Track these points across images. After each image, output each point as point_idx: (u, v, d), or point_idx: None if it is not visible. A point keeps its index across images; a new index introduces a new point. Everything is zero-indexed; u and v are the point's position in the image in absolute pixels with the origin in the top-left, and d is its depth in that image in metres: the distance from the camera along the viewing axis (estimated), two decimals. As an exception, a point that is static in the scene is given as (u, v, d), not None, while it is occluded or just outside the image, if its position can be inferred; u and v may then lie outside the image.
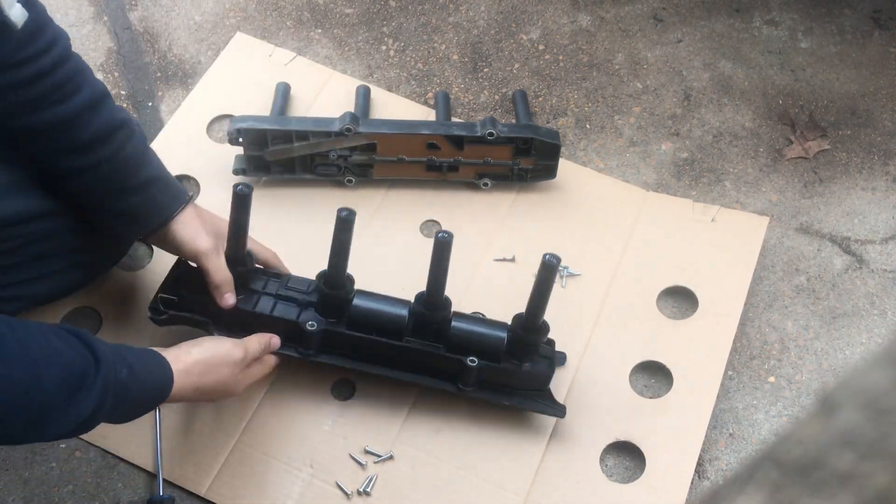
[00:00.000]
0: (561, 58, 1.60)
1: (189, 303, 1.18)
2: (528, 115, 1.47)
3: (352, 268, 1.16)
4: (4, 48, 0.96)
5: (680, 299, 1.35)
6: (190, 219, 1.15)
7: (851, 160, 1.49)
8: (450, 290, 1.16)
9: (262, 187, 1.42)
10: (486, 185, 1.40)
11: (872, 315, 1.34)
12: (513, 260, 1.36)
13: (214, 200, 1.42)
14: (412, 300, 1.18)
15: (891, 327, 1.33)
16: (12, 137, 1.05)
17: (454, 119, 1.50)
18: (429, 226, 1.41)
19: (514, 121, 1.47)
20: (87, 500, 1.20)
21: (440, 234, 1.09)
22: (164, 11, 1.65)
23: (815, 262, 1.39)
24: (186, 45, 1.61)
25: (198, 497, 1.19)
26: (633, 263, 1.36)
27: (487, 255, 1.36)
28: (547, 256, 1.08)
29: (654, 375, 1.28)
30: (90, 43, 1.61)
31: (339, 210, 1.09)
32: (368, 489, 1.18)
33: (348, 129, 1.34)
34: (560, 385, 1.25)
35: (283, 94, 1.48)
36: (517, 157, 1.38)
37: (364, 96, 1.49)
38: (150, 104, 1.55)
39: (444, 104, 1.48)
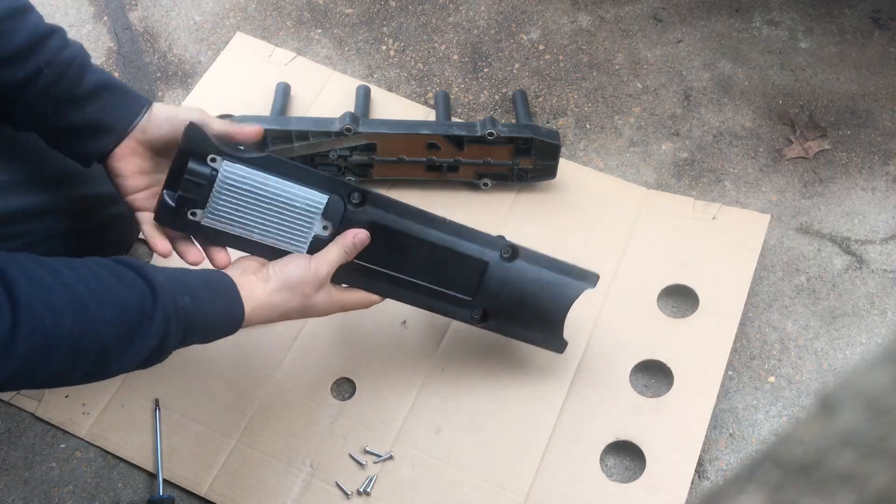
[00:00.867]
0: (561, 58, 1.60)
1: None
2: (528, 115, 1.47)
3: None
4: None
5: (680, 298, 1.35)
6: (162, 111, 1.05)
7: (851, 160, 1.49)
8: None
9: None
10: (486, 185, 1.40)
11: (872, 315, 1.34)
12: (513, 260, 1.36)
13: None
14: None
15: (891, 327, 1.33)
16: None
17: (454, 119, 1.50)
18: (429, 226, 1.41)
19: (514, 121, 1.47)
20: (87, 500, 1.20)
21: None
22: (164, 11, 1.65)
23: (816, 262, 1.39)
24: (186, 45, 1.61)
25: (198, 497, 1.19)
26: (633, 262, 1.36)
27: (487, 255, 1.36)
28: None
29: (654, 375, 1.28)
30: (90, 43, 1.61)
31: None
32: (368, 489, 1.18)
33: (348, 129, 1.34)
34: (560, 384, 1.25)
35: (283, 94, 1.48)
36: (517, 157, 1.38)
37: (364, 96, 1.49)
38: (150, 104, 1.55)
39: (444, 104, 1.48)
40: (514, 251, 1.14)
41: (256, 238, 1.06)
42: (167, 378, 1.26)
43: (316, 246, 1.07)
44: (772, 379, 1.29)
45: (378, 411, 1.24)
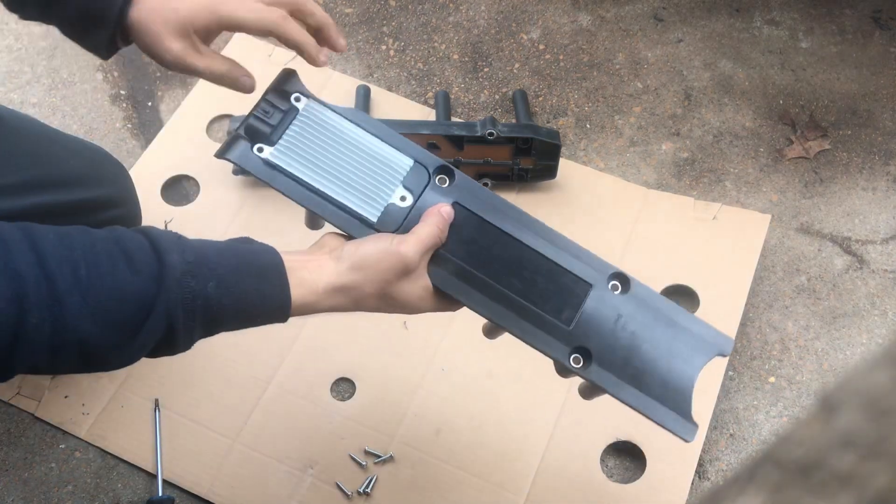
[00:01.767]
0: (561, 57, 1.60)
1: None
2: (529, 115, 1.47)
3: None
4: None
5: (681, 298, 1.34)
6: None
7: (852, 160, 1.49)
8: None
9: (262, 188, 1.42)
10: (486, 185, 1.40)
11: (873, 315, 1.34)
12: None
13: (214, 200, 1.42)
14: None
15: (891, 327, 1.33)
16: None
17: (454, 119, 1.50)
18: (429, 226, 1.41)
19: (514, 121, 1.47)
20: (87, 501, 1.20)
21: None
22: (164, 11, 1.65)
23: (816, 263, 1.39)
24: (186, 44, 1.61)
25: (198, 497, 1.18)
26: (634, 262, 1.35)
27: (487, 255, 1.36)
28: None
29: (654, 375, 1.28)
30: (90, 43, 1.61)
31: None
32: (368, 489, 1.18)
33: (348, 129, 1.34)
34: (561, 384, 1.24)
35: (283, 94, 1.48)
36: (517, 157, 1.37)
37: (364, 96, 1.49)
38: (149, 104, 1.55)
39: (444, 104, 1.48)
40: (625, 282, 0.93)
41: (323, 188, 0.91)
42: (167, 378, 1.26)
43: (390, 217, 0.91)
44: (772, 379, 1.29)
45: (378, 411, 1.24)
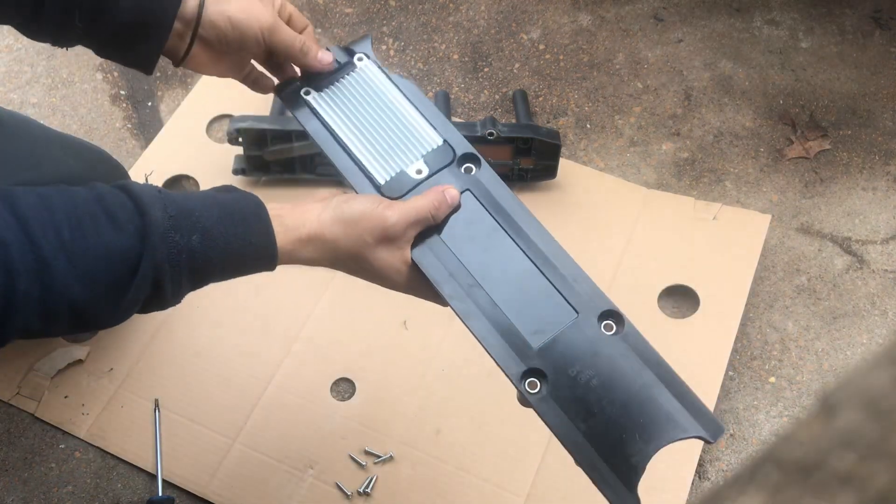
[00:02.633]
0: (561, 57, 1.60)
1: None
2: (529, 115, 1.47)
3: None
4: None
5: (681, 298, 1.34)
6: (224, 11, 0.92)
7: (852, 160, 1.49)
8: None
9: (262, 187, 1.42)
10: (486, 184, 1.40)
11: (873, 315, 1.34)
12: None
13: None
14: None
15: (891, 327, 1.33)
16: None
17: (454, 119, 1.50)
18: (429, 226, 1.41)
19: (514, 121, 1.47)
20: (87, 501, 1.20)
21: None
22: (163, 11, 1.65)
23: (816, 263, 1.39)
24: (186, 44, 1.61)
25: (197, 497, 1.18)
26: (633, 262, 1.35)
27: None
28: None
29: (654, 376, 1.28)
30: (90, 43, 1.61)
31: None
32: (368, 489, 1.18)
33: (348, 129, 1.34)
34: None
35: (283, 94, 1.48)
36: (517, 157, 1.37)
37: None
38: (149, 104, 1.55)
39: (444, 104, 1.48)
40: (619, 322, 0.85)
41: (347, 139, 0.93)
42: (167, 378, 1.26)
43: (398, 184, 0.90)
44: (772, 379, 1.29)
45: (378, 411, 1.24)
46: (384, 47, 1.61)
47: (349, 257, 0.86)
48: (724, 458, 1.24)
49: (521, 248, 0.88)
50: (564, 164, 1.42)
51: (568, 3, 1.67)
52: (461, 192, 0.90)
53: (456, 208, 0.89)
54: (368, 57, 0.99)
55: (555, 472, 1.19)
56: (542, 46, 1.61)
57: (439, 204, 0.88)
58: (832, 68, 1.59)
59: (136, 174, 1.37)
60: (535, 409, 0.81)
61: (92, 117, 1.53)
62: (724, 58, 1.60)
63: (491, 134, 1.34)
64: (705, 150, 1.50)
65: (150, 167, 1.45)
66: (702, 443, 1.21)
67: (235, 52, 0.96)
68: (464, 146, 0.92)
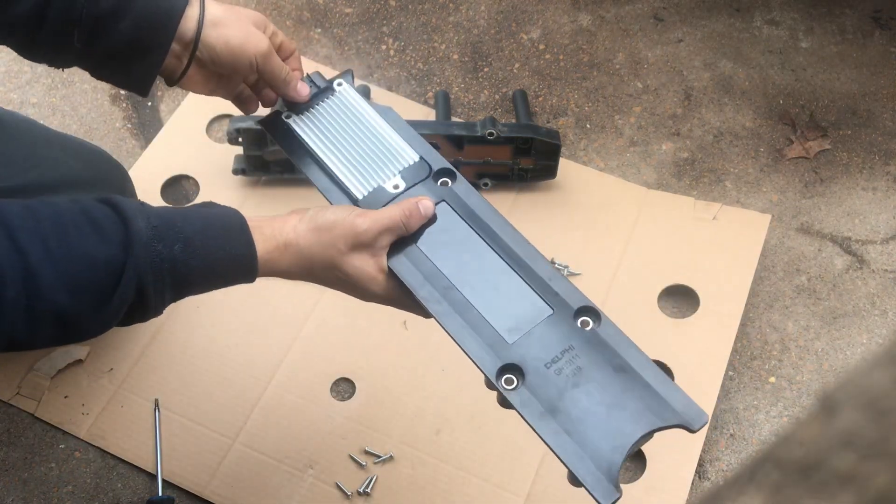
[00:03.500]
0: (561, 57, 1.60)
1: None
2: (528, 115, 1.47)
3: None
4: None
5: (681, 299, 1.34)
6: (222, 15, 0.94)
7: (852, 160, 1.49)
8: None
9: (262, 187, 1.42)
10: (486, 185, 1.40)
11: (873, 315, 1.34)
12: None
13: (214, 200, 1.42)
14: None
15: (891, 327, 1.33)
16: None
17: (454, 119, 1.50)
18: (429, 226, 1.41)
19: (514, 121, 1.47)
20: (87, 501, 1.20)
21: None
22: (163, 11, 1.65)
23: (816, 263, 1.39)
24: (186, 44, 1.61)
25: (197, 497, 1.18)
26: (633, 262, 1.35)
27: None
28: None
29: (654, 376, 1.28)
30: (90, 43, 1.61)
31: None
32: (368, 489, 1.18)
33: (348, 129, 1.34)
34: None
35: (283, 94, 1.48)
36: (517, 157, 1.37)
37: (364, 96, 1.48)
38: (149, 104, 1.55)
39: (444, 104, 1.48)
40: (595, 318, 0.86)
41: (325, 157, 0.96)
42: (167, 378, 1.26)
43: (375, 198, 0.93)
44: (772, 379, 1.29)
45: (378, 411, 1.24)
46: (384, 47, 1.61)
47: (324, 266, 0.88)
48: (724, 458, 1.24)
49: (496, 252, 0.90)
50: (564, 164, 1.42)
51: (568, 3, 1.67)
52: (437, 203, 0.92)
53: (432, 219, 0.91)
54: (349, 83, 1.03)
55: (555, 472, 1.19)
56: (542, 46, 1.61)
57: (411, 213, 0.89)
58: (832, 68, 1.59)
59: (136, 174, 1.37)
60: (513, 406, 0.82)
61: (92, 117, 1.53)
62: (724, 58, 1.60)
63: (491, 134, 1.34)
64: (705, 150, 1.50)
65: (149, 167, 1.45)
66: (702, 443, 1.21)
67: (228, 75, 0.98)
68: (440, 162, 0.96)
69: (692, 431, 0.82)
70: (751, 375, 1.29)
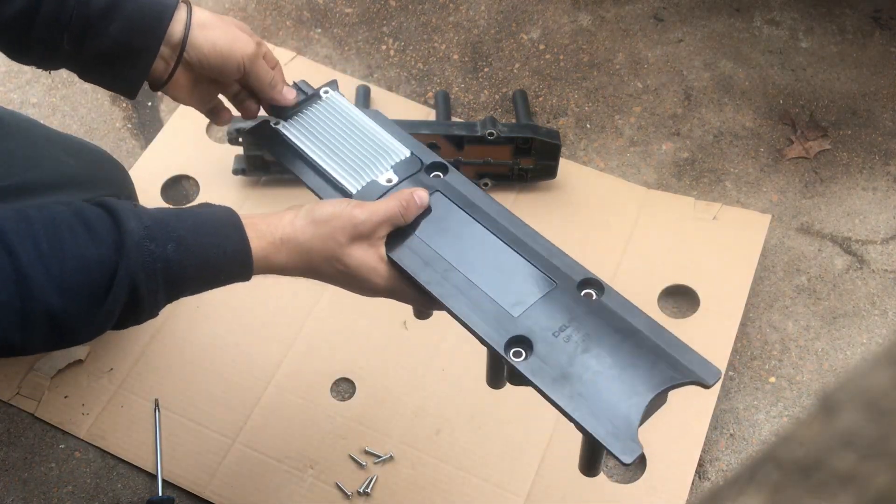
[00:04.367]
0: (561, 57, 1.60)
1: None
2: (529, 115, 1.47)
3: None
4: None
5: (681, 299, 1.34)
6: (209, 19, 0.94)
7: (852, 160, 1.49)
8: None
9: (262, 187, 1.42)
10: (486, 185, 1.40)
11: (873, 315, 1.34)
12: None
13: (214, 200, 1.42)
14: None
15: (892, 327, 1.33)
16: None
17: (454, 119, 1.50)
18: (429, 226, 1.41)
19: (514, 121, 1.47)
20: (87, 501, 1.20)
21: None
22: (163, 11, 1.65)
23: (816, 263, 1.39)
24: (186, 44, 1.61)
25: (198, 497, 1.18)
26: (633, 262, 1.35)
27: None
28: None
29: (654, 376, 1.28)
30: (90, 43, 1.61)
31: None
32: (368, 489, 1.18)
33: (348, 129, 1.34)
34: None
35: (283, 94, 1.48)
36: (517, 157, 1.37)
37: (364, 96, 1.48)
38: (149, 104, 1.55)
39: (444, 104, 1.48)
40: (599, 289, 0.86)
41: (316, 157, 0.97)
42: (167, 378, 1.26)
43: (368, 192, 0.93)
44: (772, 379, 1.29)
45: (378, 411, 1.24)
46: (384, 47, 1.61)
47: (323, 259, 0.87)
48: (724, 458, 1.24)
49: (494, 234, 0.90)
50: (564, 164, 1.42)
51: (568, 3, 1.67)
52: (431, 194, 0.92)
53: (427, 210, 0.91)
54: (334, 90, 1.04)
55: (555, 472, 1.19)
56: (542, 46, 1.61)
57: (408, 203, 0.89)
58: (832, 68, 1.59)
59: (136, 174, 1.37)
60: (524, 378, 0.81)
61: (92, 117, 1.53)
62: (724, 58, 1.60)
63: (491, 134, 1.34)
64: (705, 150, 1.50)
65: (150, 167, 1.45)
66: (702, 443, 1.21)
67: (214, 79, 0.98)
68: (431, 157, 0.97)
69: (706, 387, 0.82)
70: (751, 375, 1.29)
